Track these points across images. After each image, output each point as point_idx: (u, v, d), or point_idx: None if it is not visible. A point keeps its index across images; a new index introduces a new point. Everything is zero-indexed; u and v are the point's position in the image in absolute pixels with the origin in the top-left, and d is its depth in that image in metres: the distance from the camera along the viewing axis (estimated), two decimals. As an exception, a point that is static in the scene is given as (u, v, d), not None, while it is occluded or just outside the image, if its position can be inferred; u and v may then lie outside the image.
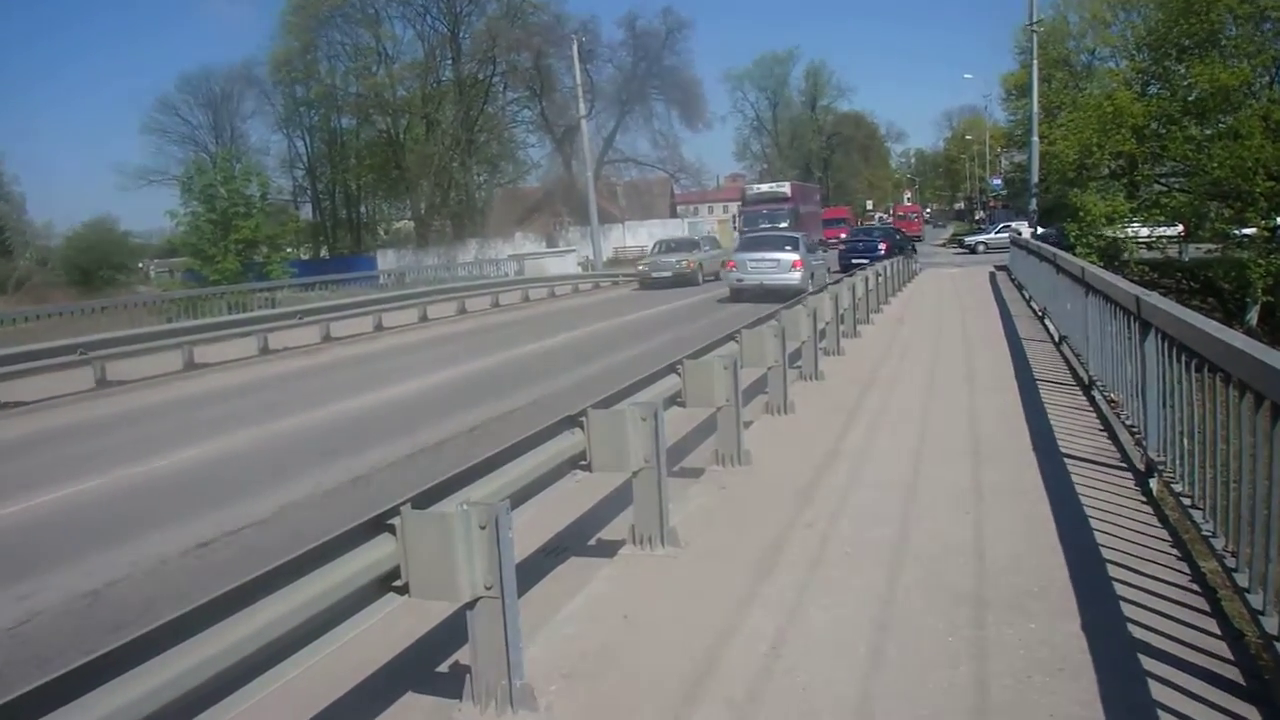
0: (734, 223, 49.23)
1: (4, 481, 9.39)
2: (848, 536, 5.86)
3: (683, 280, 32.37)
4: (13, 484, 9.20)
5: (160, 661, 2.78)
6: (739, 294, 24.54)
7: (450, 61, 60.11)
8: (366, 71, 60.48)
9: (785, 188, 48.52)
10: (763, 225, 39.68)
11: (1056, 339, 13.32)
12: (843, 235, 53.01)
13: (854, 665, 4.19)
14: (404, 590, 3.77)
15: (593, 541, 6.37)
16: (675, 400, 7.10)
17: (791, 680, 4.10)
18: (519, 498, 4.63)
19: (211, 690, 2.97)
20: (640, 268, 35.18)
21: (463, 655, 4.36)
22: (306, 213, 69.57)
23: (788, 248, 25.18)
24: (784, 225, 38.86)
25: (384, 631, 4.50)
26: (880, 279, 19.94)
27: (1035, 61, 37.61)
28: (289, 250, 57.43)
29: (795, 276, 24.00)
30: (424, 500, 3.89)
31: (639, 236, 57.76)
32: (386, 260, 55.62)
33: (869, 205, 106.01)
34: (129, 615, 5.60)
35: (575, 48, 48.68)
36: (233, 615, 3.05)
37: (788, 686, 4.06)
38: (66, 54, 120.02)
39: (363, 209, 70.09)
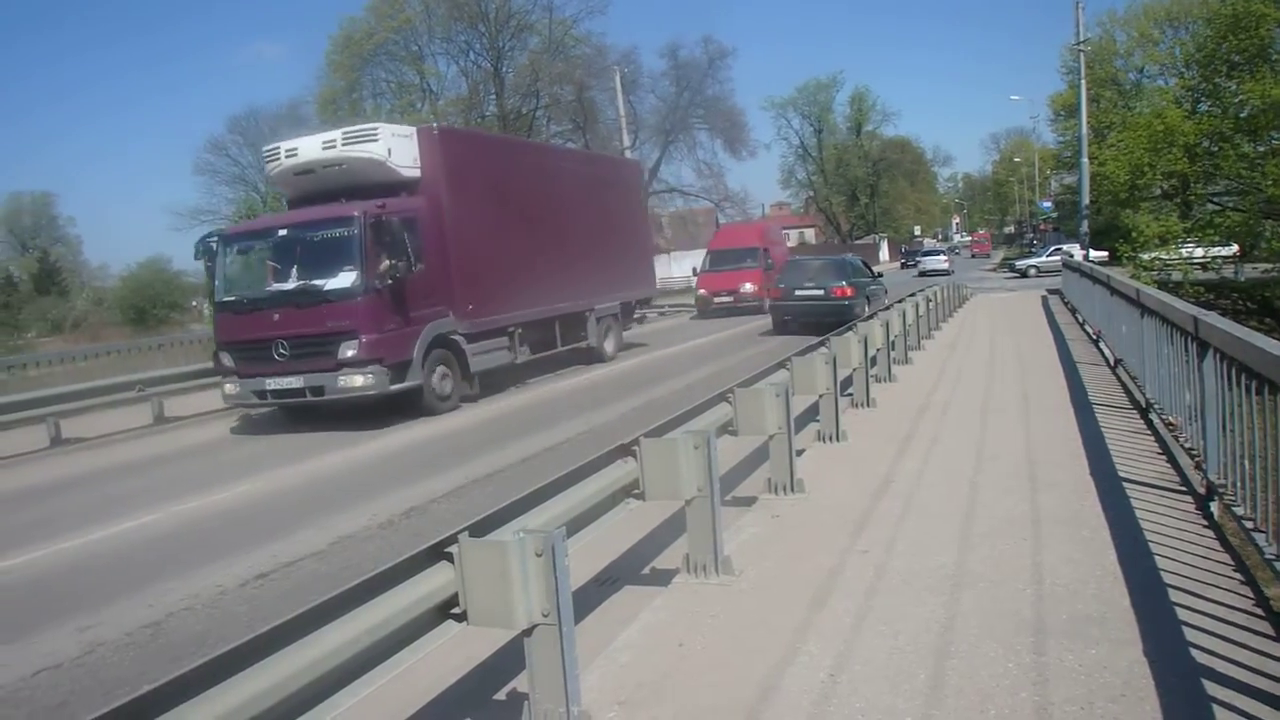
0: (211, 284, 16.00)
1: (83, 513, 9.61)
2: (904, 564, 5.81)
3: None
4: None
5: (222, 690, 2.81)
6: None
7: (494, 96, 60.37)
8: (411, 108, 60.83)
9: (386, 136, 15.14)
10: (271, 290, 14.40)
11: (1112, 362, 13.16)
12: (748, 284, 31.86)
13: (914, 693, 4.15)
14: (462, 618, 3.80)
15: (646, 570, 6.38)
16: (727, 429, 7.10)
17: (850, 707, 4.07)
18: (573, 526, 4.65)
19: (277, 717, 2.98)
20: None
21: (519, 683, 4.39)
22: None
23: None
24: (342, 271, 13.88)
25: (443, 659, 4.53)
26: (931, 305, 19.82)
27: (1083, 81, 37.31)
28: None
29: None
30: (481, 528, 3.93)
31: (684, 267, 57.71)
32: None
33: (917, 230, 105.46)
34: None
35: (618, 79, 49.00)
36: (294, 643, 3.08)
37: (847, 714, 4.03)
38: (120, 99, 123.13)
39: (411, 244, 70.49)
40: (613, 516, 5.27)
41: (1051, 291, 29.30)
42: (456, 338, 15.21)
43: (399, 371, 13.98)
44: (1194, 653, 4.23)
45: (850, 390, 11.29)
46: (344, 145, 14.96)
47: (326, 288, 13.80)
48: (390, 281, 13.84)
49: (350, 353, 13.44)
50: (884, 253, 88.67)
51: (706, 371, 16.82)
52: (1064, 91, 52.24)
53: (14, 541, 8.77)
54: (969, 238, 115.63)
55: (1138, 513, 6.30)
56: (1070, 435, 8.91)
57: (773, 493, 7.56)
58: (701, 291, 33.05)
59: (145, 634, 6.22)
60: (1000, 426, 9.65)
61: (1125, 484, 7.02)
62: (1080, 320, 20.01)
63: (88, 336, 51.61)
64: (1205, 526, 5.98)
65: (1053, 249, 52.41)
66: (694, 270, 35.02)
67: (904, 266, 70.36)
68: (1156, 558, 5.43)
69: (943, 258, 61.36)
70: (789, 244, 79.76)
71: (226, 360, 14.48)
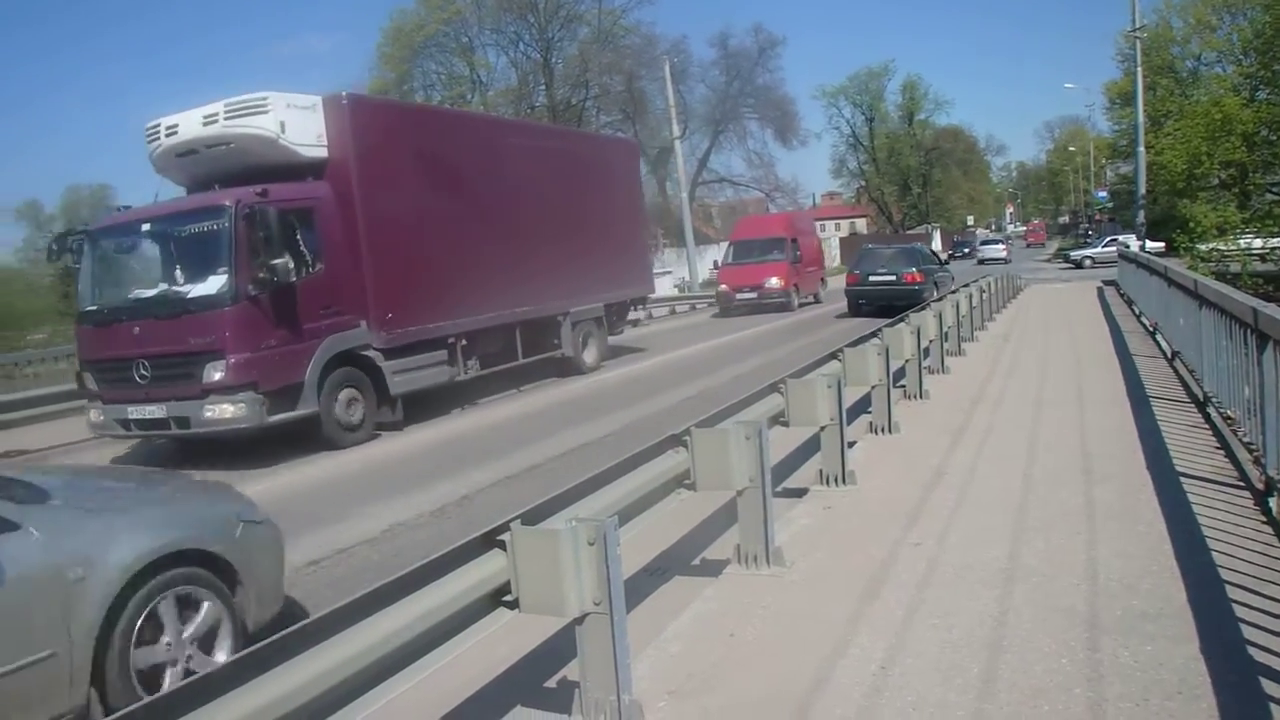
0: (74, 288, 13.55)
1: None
2: (956, 557, 5.78)
3: None
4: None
5: (278, 674, 2.85)
6: None
7: (543, 87, 60.50)
8: (461, 100, 61.09)
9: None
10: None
11: (1169, 355, 12.96)
12: (773, 279, 29.42)
13: (966, 687, 4.13)
14: (514, 605, 3.83)
15: (696, 561, 6.39)
16: (778, 420, 7.08)
17: (902, 700, 4.07)
18: (624, 516, 4.66)
19: (325, 704, 3.03)
20: None
21: (570, 671, 4.42)
22: (406, 240, 70.36)
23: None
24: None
25: (493, 647, 4.56)
26: (985, 295, 19.62)
27: (1139, 68, 36.63)
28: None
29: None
30: (533, 516, 3.96)
31: (734, 257, 57.52)
32: (486, 283, 55.88)
33: (970, 220, 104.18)
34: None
35: (667, 69, 48.84)
36: (349, 628, 3.12)
37: (898, 707, 4.02)
38: (178, 93, 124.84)
39: (461, 234, 70.80)
40: (664, 506, 5.29)
41: (1107, 283, 28.86)
42: (370, 353, 12.76)
43: (284, 398, 11.54)
44: (1251, 650, 4.17)
45: (903, 382, 11.22)
46: (227, 120, 12.28)
47: (190, 295, 11.43)
48: (272, 286, 11.39)
49: (216, 376, 11.05)
50: (937, 242, 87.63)
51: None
52: (1119, 79, 51.42)
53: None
54: (1023, 228, 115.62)
55: (1194, 507, 6.21)
56: (1126, 428, 8.80)
57: (824, 484, 7.54)
58: (722, 287, 30.63)
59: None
60: (1055, 419, 9.55)
61: (1182, 478, 6.93)
62: (1136, 312, 19.72)
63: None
64: (1264, 522, 5.88)
65: (1108, 239, 51.45)
66: (715, 264, 32.67)
67: (952, 257, 69.76)
68: (1213, 553, 5.35)
69: (1001, 247, 66.91)
70: (840, 234, 79.07)
71: (89, 382, 12.34)
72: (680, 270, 49.98)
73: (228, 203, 11.35)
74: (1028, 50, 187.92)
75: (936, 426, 9.65)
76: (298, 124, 12.42)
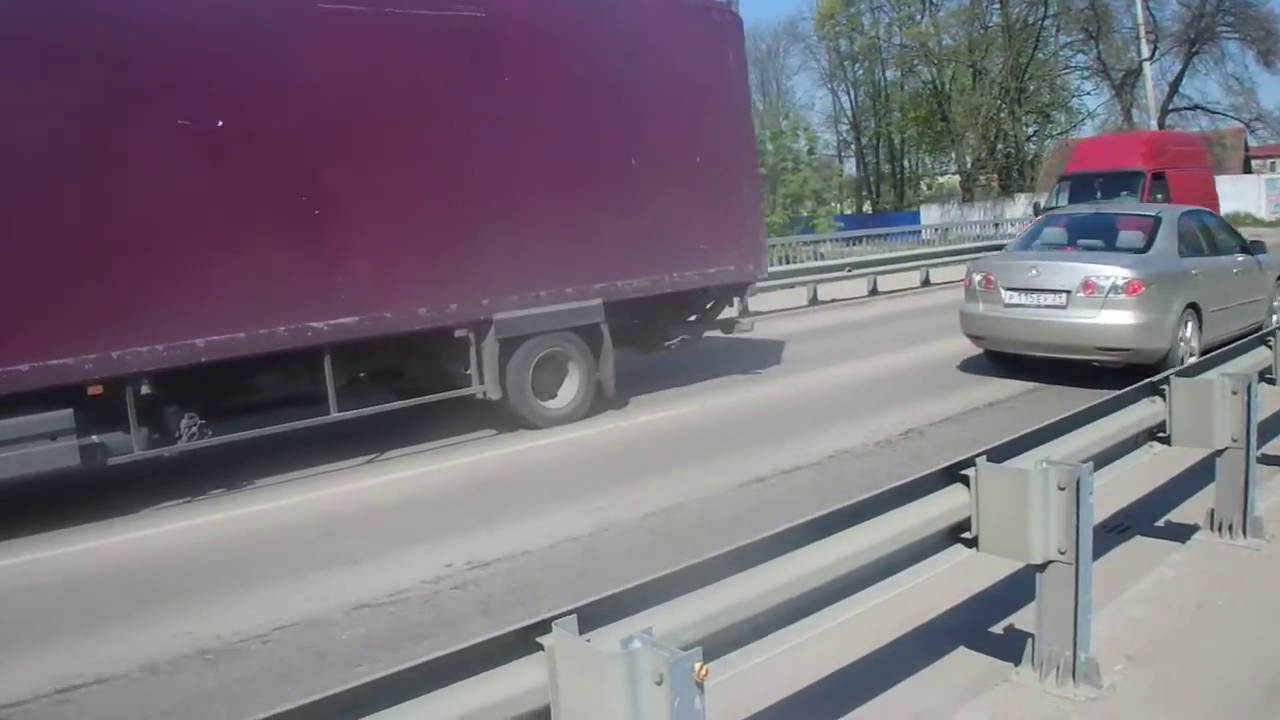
0: None
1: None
2: None
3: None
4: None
5: (736, 581, 2.94)
6: None
7: (998, 6, 57.49)
8: (910, 21, 59.53)
9: None
10: None
11: None
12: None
13: None
14: (973, 544, 3.75)
15: (1161, 522, 5.91)
16: (1264, 376, 6.39)
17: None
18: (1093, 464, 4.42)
19: (777, 617, 3.09)
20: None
21: (1018, 620, 4.29)
22: (850, 167, 70.15)
23: None
24: None
25: (936, 584, 4.49)
26: None
27: None
28: (833, 204, 58.29)
29: None
30: (999, 454, 3.83)
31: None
32: (930, 216, 54.57)
33: None
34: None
35: (1136, -17, 44.73)
36: (808, 545, 3.18)
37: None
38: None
39: (906, 163, 69.54)
40: (1133, 459, 4.95)
41: None
42: None
43: None
44: None
45: None
46: None
47: None
48: None
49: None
50: None
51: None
52: None
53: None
54: None
55: None
56: None
57: (1315, 453, 6.77)
58: None
59: (655, 520, 6.67)
60: None
61: None
62: None
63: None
64: None
65: None
66: (1035, 208, 22.14)
67: None
68: None
69: None
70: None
71: None
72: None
73: None
74: None
75: None
76: None
